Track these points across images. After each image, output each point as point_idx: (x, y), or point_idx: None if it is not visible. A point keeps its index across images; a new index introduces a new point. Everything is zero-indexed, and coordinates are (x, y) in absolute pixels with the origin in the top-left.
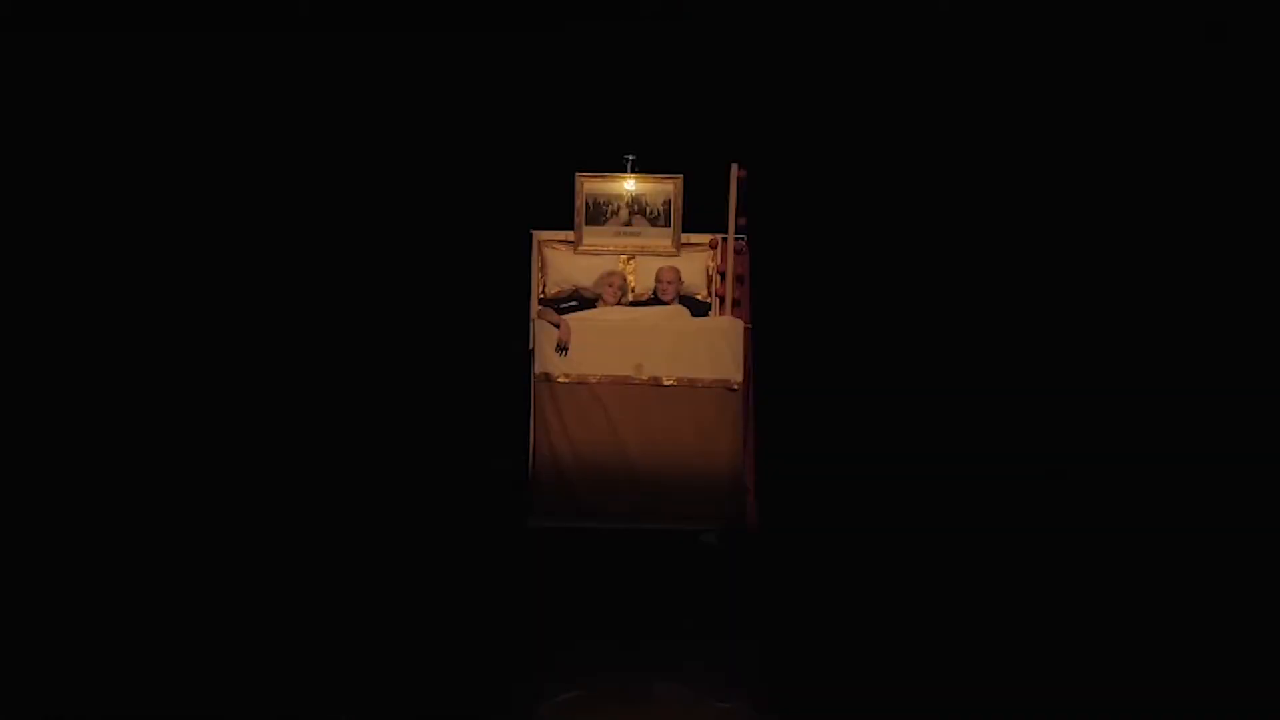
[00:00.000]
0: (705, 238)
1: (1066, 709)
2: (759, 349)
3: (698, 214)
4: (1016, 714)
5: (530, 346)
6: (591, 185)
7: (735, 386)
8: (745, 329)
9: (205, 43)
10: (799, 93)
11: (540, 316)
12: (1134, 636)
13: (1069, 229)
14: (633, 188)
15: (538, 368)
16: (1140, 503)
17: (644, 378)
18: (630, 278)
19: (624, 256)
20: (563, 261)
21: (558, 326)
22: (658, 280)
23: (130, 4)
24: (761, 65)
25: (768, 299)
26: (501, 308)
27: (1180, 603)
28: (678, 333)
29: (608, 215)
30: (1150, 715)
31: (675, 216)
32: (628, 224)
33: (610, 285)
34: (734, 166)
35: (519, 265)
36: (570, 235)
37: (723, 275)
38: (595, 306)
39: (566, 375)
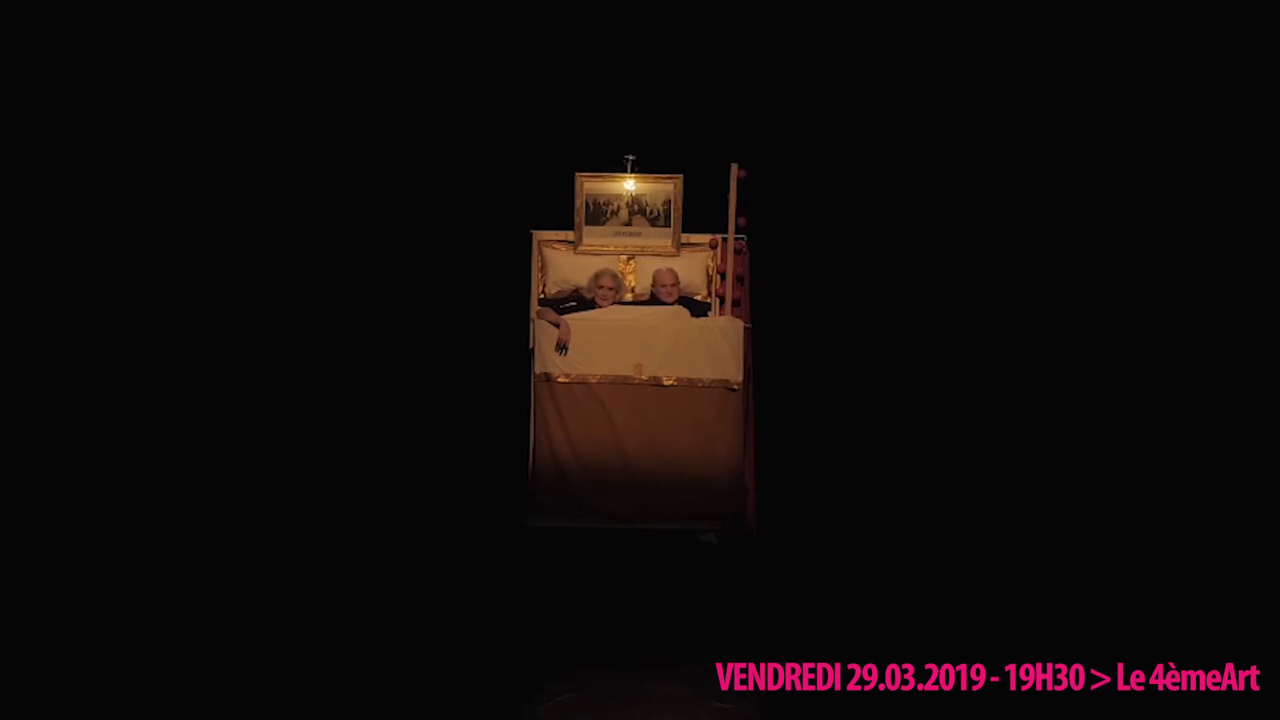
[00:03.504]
0: (705, 238)
1: (1064, 703)
2: (759, 349)
3: (698, 214)
4: (1016, 713)
5: (530, 346)
6: (591, 185)
7: (735, 386)
8: (745, 329)
9: (206, 42)
10: (799, 93)
11: (540, 316)
12: (1133, 638)
13: (1068, 229)
14: (633, 188)
15: (538, 368)
16: (1140, 504)
17: (644, 378)
18: (630, 278)
19: (624, 256)
20: (563, 261)
21: (558, 326)
22: (656, 284)
23: (131, 3)
24: (761, 65)
25: (768, 299)
26: (501, 308)
27: (1179, 604)
28: (677, 333)
29: (608, 215)
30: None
31: (675, 216)
32: (628, 224)
33: (601, 287)
34: (734, 166)
35: (519, 265)
36: (570, 235)
37: (723, 275)
38: (595, 307)
39: (566, 375)
